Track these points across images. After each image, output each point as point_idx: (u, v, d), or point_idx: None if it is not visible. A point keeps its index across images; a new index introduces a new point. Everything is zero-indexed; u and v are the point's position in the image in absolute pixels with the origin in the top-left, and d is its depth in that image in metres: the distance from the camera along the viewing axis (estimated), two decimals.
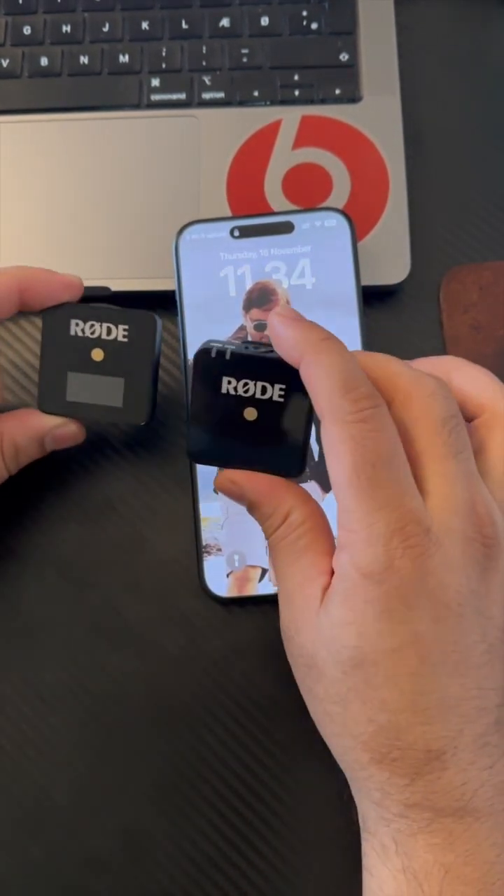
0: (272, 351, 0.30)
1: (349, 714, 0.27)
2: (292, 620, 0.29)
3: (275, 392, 0.30)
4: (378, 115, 0.40)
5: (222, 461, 0.31)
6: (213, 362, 0.30)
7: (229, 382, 0.30)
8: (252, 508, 0.30)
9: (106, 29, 0.42)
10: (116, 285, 0.38)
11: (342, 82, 0.41)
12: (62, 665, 0.35)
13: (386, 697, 0.26)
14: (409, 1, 0.43)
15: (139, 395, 0.33)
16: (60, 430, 0.34)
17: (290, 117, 0.40)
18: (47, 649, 0.35)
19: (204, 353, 0.30)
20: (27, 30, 0.42)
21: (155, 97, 0.41)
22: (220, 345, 0.30)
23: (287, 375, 0.29)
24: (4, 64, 0.42)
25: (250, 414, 0.30)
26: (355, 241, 0.36)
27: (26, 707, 0.34)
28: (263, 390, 0.30)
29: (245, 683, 0.34)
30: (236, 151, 0.40)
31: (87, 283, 0.38)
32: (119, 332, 0.33)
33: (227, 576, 0.35)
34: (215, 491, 0.31)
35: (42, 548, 0.36)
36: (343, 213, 0.36)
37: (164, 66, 0.41)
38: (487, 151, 0.41)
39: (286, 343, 0.29)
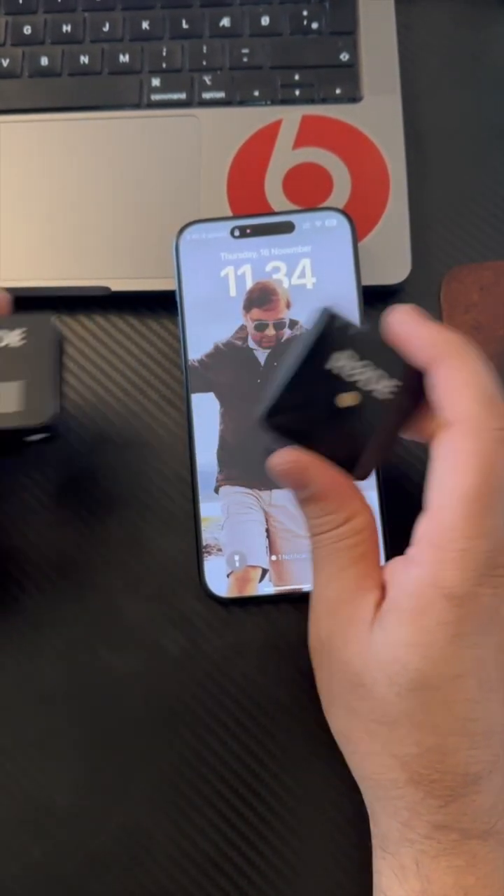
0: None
1: (395, 734, 0.26)
2: (338, 632, 0.27)
3: (380, 387, 0.28)
4: (378, 114, 0.40)
5: (292, 435, 0.28)
6: (334, 333, 0.28)
7: (338, 360, 0.28)
8: (312, 500, 0.28)
9: (106, 29, 0.42)
10: (116, 285, 0.38)
11: (343, 82, 0.41)
12: (63, 665, 0.35)
13: (439, 722, 0.26)
14: (409, 1, 0.43)
15: (42, 396, 0.30)
16: None
17: (290, 117, 0.40)
18: (48, 649, 0.35)
19: (331, 318, 0.28)
20: (27, 29, 0.42)
21: (155, 97, 0.41)
22: (345, 318, 0.28)
23: (404, 374, 0.27)
24: (5, 64, 0.42)
25: (343, 400, 0.28)
26: (356, 240, 0.36)
27: (27, 707, 0.34)
28: (368, 381, 0.28)
29: (245, 684, 0.34)
30: (237, 151, 0.40)
31: (87, 283, 0.38)
32: (13, 338, 0.31)
33: (228, 576, 0.35)
34: (273, 471, 0.28)
35: (42, 548, 0.36)
36: (343, 212, 0.36)
37: (164, 65, 0.41)
38: (487, 151, 0.41)
39: (419, 341, 0.27)
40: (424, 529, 0.26)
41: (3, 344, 0.30)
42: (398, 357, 0.28)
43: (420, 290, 0.39)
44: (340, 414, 0.28)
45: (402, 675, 0.26)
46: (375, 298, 0.39)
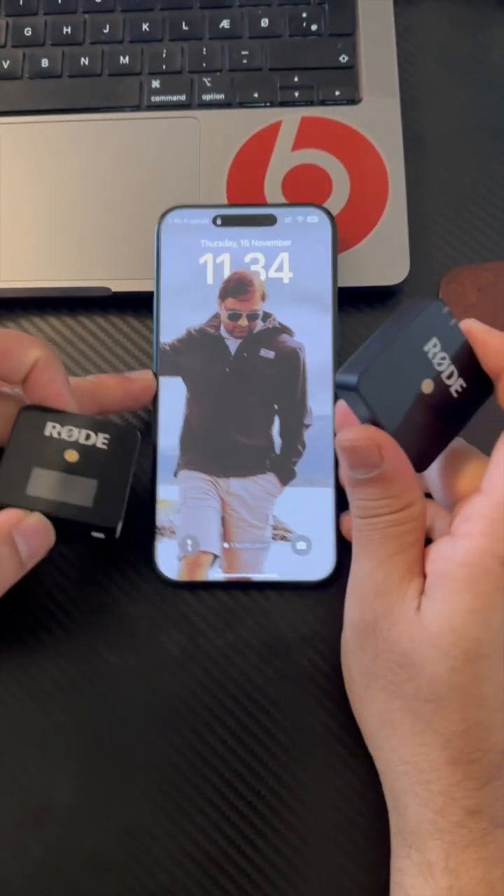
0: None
1: (441, 712, 0.27)
2: (384, 614, 0.28)
3: (457, 383, 0.29)
4: (378, 116, 0.40)
5: (379, 411, 0.28)
6: (438, 318, 0.29)
7: (434, 346, 0.29)
8: (377, 482, 0.28)
9: (106, 30, 0.42)
10: (117, 286, 0.38)
11: (342, 84, 0.41)
12: (62, 664, 0.35)
13: (488, 694, 0.26)
14: (408, 2, 0.43)
15: (113, 499, 0.31)
16: (26, 523, 0.30)
17: (289, 119, 0.40)
18: (47, 648, 0.35)
19: (441, 304, 0.29)
20: (28, 31, 0.42)
21: (155, 98, 0.41)
22: (448, 308, 0.29)
23: (475, 378, 0.29)
24: (5, 65, 0.42)
25: (427, 386, 0.29)
26: (336, 239, 0.36)
27: (27, 706, 0.34)
28: (451, 375, 0.29)
29: (245, 683, 0.34)
30: (236, 153, 0.40)
31: (88, 284, 0.38)
32: (99, 440, 0.32)
33: (179, 559, 0.35)
34: (343, 445, 0.28)
35: None
36: (325, 210, 0.37)
37: (164, 67, 0.41)
38: (487, 152, 0.42)
39: (494, 349, 0.28)
40: (478, 508, 0.27)
41: (90, 442, 0.31)
42: (475, 359, 0.29)
43: (419, 291, 0.39)
44: (419, 400, 0.29)
45: (459, 646, 0.26)
46: (374, 299, 0.39)
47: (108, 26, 0.42)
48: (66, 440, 0.31)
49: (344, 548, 0.34)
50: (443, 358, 0.29)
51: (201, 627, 0.35)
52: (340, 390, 0.29)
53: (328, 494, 0.35)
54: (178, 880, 0.32)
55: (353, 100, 0.41)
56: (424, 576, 0.28)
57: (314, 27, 0.42)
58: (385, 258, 0.38)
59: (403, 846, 0.28)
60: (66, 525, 0.31)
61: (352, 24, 0.42)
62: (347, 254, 0.38)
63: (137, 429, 0.33)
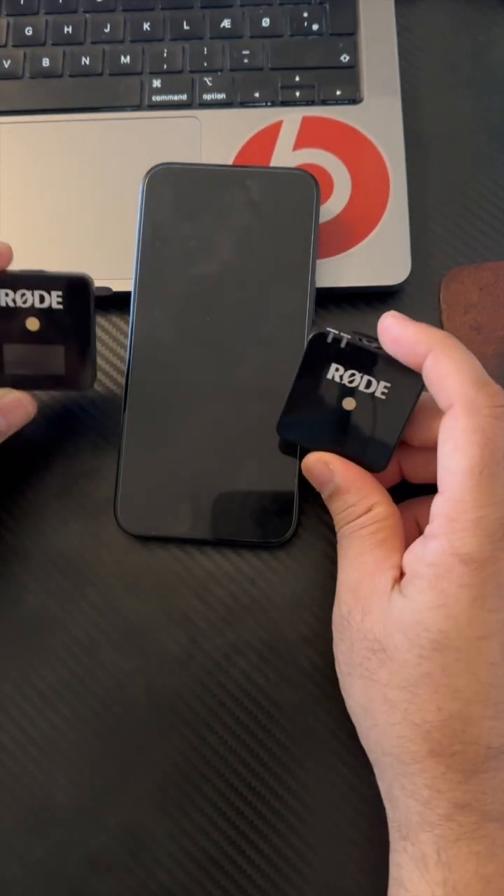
0: (381, 348, 0.31)
1: (416, 701, 0.27)
2: (356, 605, 0.29)
3: (379, 388, 0.31)
4: (379, 116, 0.40)
5: (311, 442, 0.32)
6: (327, 348, 0.31)
7: (337, 370, 0.31)
8: (336, 494, 0.31)
9: (107, 30, 0.42)
10: (118, 286, 0.38)
11: (343, 83, 0.41)
12: (63, 663, 0.35)
13: (461, 686, 0.26)
14: (409, 2, 0.43)
15: (81, 361, 0.33)
16: (4, 400, 0.33)
17: (290, 118, 0.40)
18: (48, 648, 0.35)
19: (319, 337, 0.31)
20: (29, 31, 0.42)
21: (156, 98, 0.41)
22: (335, 332, 0.31)
23: (396, 375, 0.31)
24: (6, 65, 0.42)
25: (349, 404, 0.32)
26: (318, 206, 0.36)
27: (28, 705, 0.34)
28: (368, 384, 0.31)
29: (246, 682, 0.34)
30: (237, 152, 0.40)
31: None
32: (53, 299, 0.32)
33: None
34: (304, 472, 0.32)
35: (42, 547, 0.36)
36: (311, 175, 0.36)
37: (165, 67, 0.41)
38: (487, 152, 0.42)
39: (408, 340, 0.30)
40: (439, 507, 0.28)
41: (46, 304, 0.32)
42: (387, 359, 0.31)
43: (420, 290, 0.39)
44: (349, 416, 0.32)
45: (425, 637, 0.27)
46: (375, 299, 0.39)
47: (108, 26, 0.42)
48: (23, 307, 0.32)
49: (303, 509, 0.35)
50: (351, 375, 0.31)
51: (201, 627, 0.35)
52: (283, 443, 0.34)
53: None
54: (178, 880, 0.32)
55: (354, 99, 0.41)
56: (400, 569, 0.29)
57: (315, 27, 0.42)
58: (386, 258, 0.38)
59: (399, 839, 0.28)
60: (44, 389, 0.34)
61: (353, 24, 0.42)
62: (348, 254, 0.38)
63: (85, 276, 0.32)
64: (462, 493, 0.27)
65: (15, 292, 0.32)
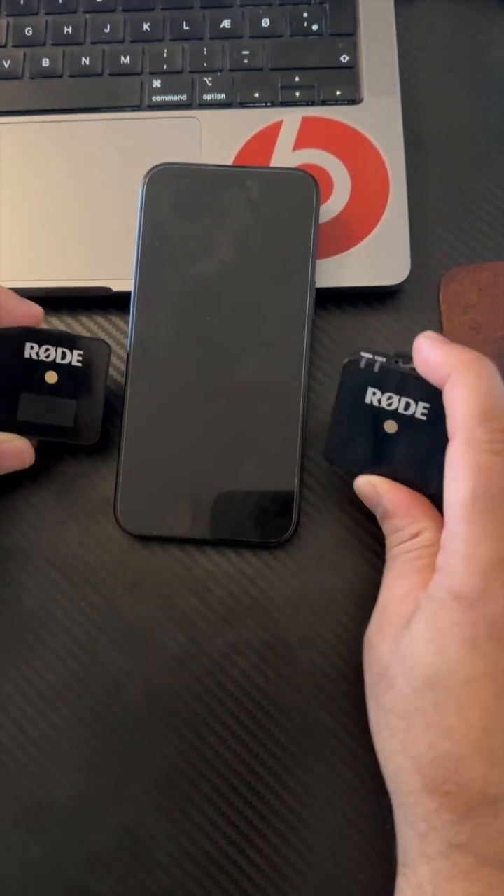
0: (415, 369, 0.31)
1: (411, 733, 0.27)
2: (379, 629, 0.29)
3: (418, 410, 0.31)
4: (378, 116, 0.40)
5: (358, 466, 0.32)
6: (361, 373, 0.32)
7: (374, 394, 0.32)
8: (386, 517, 0.31)
9: (107, 30, 0.42)
10: (117, 286, 0.38)
11: (343, 84, 0.41)
12: (63, 663, 0.35)
13: (452, 726, 0.26)
14: (409, 2, 0.43)
15: (90, 417, 0.35)
16: (6, 445, 0.34)
17: (290, 118, 0.40)
18: (48, 648, 0.35)
19: (352, 363, 0.32)
20: (28, 31, 0.42)
21: (156, 98, 0.41)
22: (369, 356, 0.32)
23: (434, 395, 0.31)
24: (6, 65, 0.42)
25: (391, 427, 0.32)
26: (318, 206, 0.36)
27: (27, 705, 0.34)
28: (407, 406, 0.32)
29: (245, 682, 0.34)
30: (237, 153, 0.40)
31: (88, 284, 0.38)
32: (73, 357, 0.34)
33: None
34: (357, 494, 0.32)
35: (42, 547, 0.36)
36: (311, 175, 0.36)
37: (165, 67, 0.41)
38: (487, 152, 0.42)
39: (434, 362, 0.29)
40: (442, 537, 0.28)
41: (66, 361, 0.34)
42: (421, 380, 0.31)
43: (419, 291, 0.39)
44: (393, 439, 0.32)
45: (418, 670, 0.27)
46: (375, 299, 0.39)
47: (108, 26, 0.42)
48: (44, 361, 0.34)
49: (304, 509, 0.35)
50: (389, 398, 0.32)
51: (201, 627, 0.35)
52: (335, 468, 0.34)
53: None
54: (177, 880, 0.32)
55: (353, 100, 0.41)
56: None
57: (315, 27, 0.42)
58: (385, 258, 0.38)
59: (401, 864, 0.28)
60: (51, 441, 0.35)
61: (352, 24, 0.42)
62: (347, 254, 0.38)
63: (106, 342, 0.35)
64: (455, 526, 0.27)
65: (41, 346, 0.34)
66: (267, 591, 0.35)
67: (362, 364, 0.32)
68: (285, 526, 0.35)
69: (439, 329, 0.39)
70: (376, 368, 0.32)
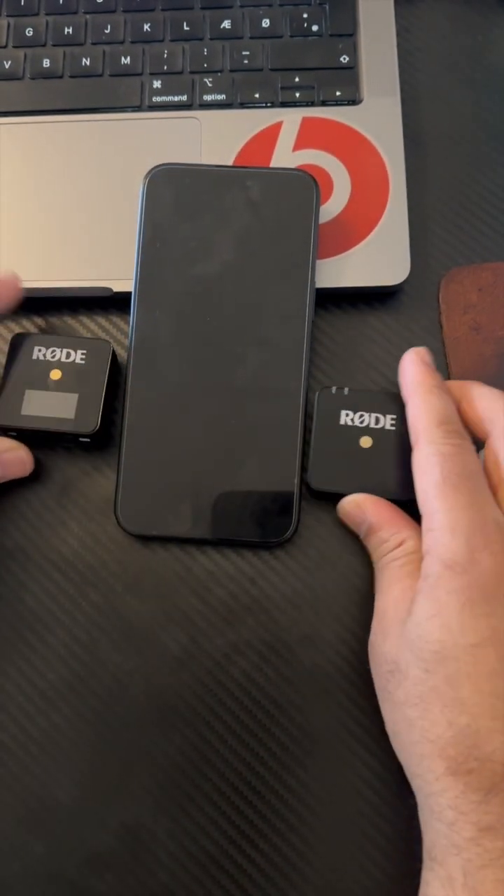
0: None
1: (428, 717, 0.27)
2: (381, 630, 0.31)
3: (387, 421, 0.35)
4: (378, 116, 0.40)
5: (342, 487, 0.34)
6: (334, 397, 0.35)
7: (347, 415, 0.35)
8: (370, 532, 0.33)
9: (107, 31, 0.42)
10: (118, 286, 0.38)
11: (343, 84, 0.41)
12: (64, 663, 0.35)
13: (465, 698, 0.27)
14: (409, 3, 0.44)
15: (91, 409, 0.36)
16: (8, 455, 0.35)
17: (290, 119, 0.40)
18: (49, 647, 0.35)
19: (325, 390, 0.35)
20: (29, 31, 0.42)
21: (156, 99, 0.41)
22: (337, 388, 0.35)
23: (398, 407, 0.34)
24: (6, 65, 0.42)
25: (366, 442, 0.34)
26: (318, 207, 0.36)
27: (28, 705, 0.34)
28: (377, 420, 0.35)
29: (246, 682, 0.34)
30: (237, 153, 0.40)
31: (89, 284, 0.38)
32: (77, 356, 0.36)
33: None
34: (339, 516, 0.35)
35: (42, 547, 0.36)
36: (311, 176, 0.37)
37: (165, 67, 0.41)
38: (487, 152, 0.42)
39: (407, 379, 0.33)
40: (423, 524, 0.30)
41: (70, 360, 0.36)
42: (388, 394, 0.35)
43: (419, 291, 0.39)
44: (369, 452, 0.34)
45: (427, 649, 0.28)
46: (375, 299, 0.39)
47: (109, 27, 0.42)
48: (50, 361, 0.36)
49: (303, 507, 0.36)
50: (361, 416, 0.35)
51: (201, 627, 0.35)
52: (314, 493, 0.35)
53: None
54: (178, 879, 0.32)
55: (353, 100, 0.41)
56: None
57: (315, 28, 0.42)
58: (385, 258, 0.38)
59: (429, 859, 0.28)
60: (56, 434, 0.36)
61: (352, 25, 0.42)
62: (347, 254, 0.38)
63: (108, 342, 0.37)
64: (432, 504, 0.29)
65: (47, 349, 0.36)
66: (267, 590, 0.35)
67: (333, 390, 0.35)
68: (285, 526, 0.35)
69: (439, 329, 0.39)
70: (346, 392, 0.35)
